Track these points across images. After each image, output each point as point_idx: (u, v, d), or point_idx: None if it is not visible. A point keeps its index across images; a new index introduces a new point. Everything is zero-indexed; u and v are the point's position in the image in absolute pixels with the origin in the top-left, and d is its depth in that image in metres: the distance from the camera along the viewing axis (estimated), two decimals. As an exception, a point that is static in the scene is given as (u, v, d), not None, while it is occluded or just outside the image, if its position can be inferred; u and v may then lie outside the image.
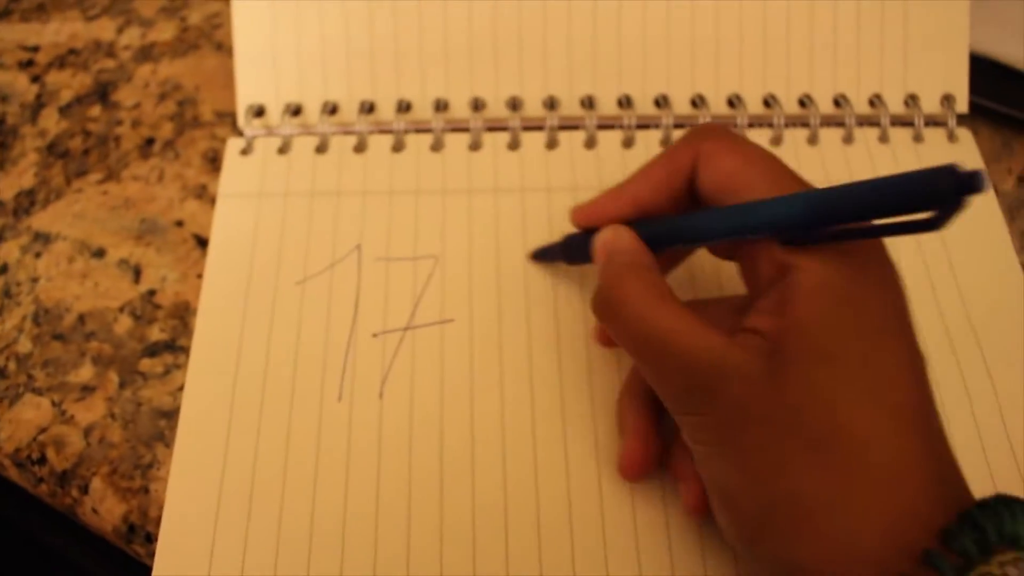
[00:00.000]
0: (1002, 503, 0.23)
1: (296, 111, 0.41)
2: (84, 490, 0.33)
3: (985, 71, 0.43)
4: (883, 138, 0.41)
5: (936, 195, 0.22)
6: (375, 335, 0.35)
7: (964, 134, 0.42)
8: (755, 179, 0.27)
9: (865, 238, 0.25)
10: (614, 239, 0.30)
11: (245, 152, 0.40)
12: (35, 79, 0.45)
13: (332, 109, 0.41)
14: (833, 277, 0.25)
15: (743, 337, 0.25)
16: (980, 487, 0.24)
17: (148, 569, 0.31)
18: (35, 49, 0.46)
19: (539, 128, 0.41)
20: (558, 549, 0.30)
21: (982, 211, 0.39)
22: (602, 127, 0.41)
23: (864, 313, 0.25)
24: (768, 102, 0.41)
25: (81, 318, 0.37)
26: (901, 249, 0.38)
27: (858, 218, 0.24)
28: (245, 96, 0.41)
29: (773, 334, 0.25)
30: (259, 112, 0.41)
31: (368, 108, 0.41)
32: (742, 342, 0.25)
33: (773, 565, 0.25)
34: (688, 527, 0.31)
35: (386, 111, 0.41)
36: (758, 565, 0.26)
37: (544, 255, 0.36)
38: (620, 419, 0.32)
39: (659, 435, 0.31)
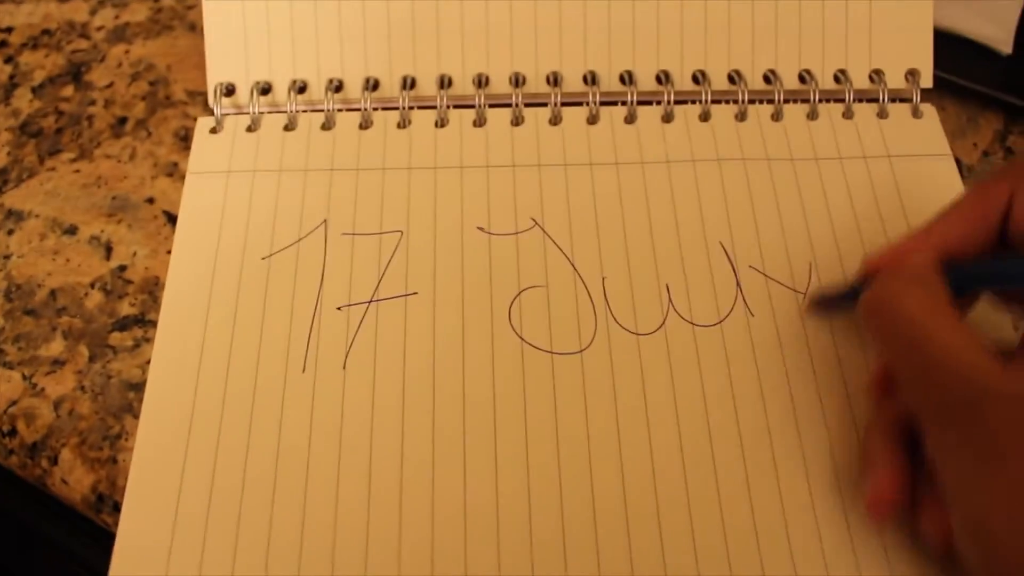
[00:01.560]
0: None
1: (266, 90, 0.41)
2: (53, 461, 0.34)
3: (951, 46, 0.44)
4: (847, 114, 0.41)
5: None
6: (339, 308, 0.35)
7: (928, 109, 0.42)
8: None
9: None
10: (913, 259, 0.29)
11: (214, 130, 0.40)
12: (8, 60, 0.46)
13: (301, 88, 0.41)
14: None
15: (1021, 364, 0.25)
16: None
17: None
18: (8, 30, 0.47)
19: (506, 105, 0.41)
20: (513, 503, 0.31)
21: (944, 186, 0.39)
22: (566, 104, 0.41)
23: None
24: (732, 78, 0.42)
25: (52, 293, 0.38)
26: (865, 227, 0.38)
27: None
28: (215, 75, 0.41)
29: None
30: (229, 91, 0.41)
31: (336, 87, 0.41)
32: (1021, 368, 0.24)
33: None
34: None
35: (354, 89, 0.41)
36: None
37: (830, 304, 0.35)
38: (868, 453, 0.30)
39: (909, 469, 0.29)
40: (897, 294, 0.27)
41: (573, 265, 0.37)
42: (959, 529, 0.25)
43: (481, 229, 0.37)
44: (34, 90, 0.44)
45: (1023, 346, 0.26)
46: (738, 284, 0.36)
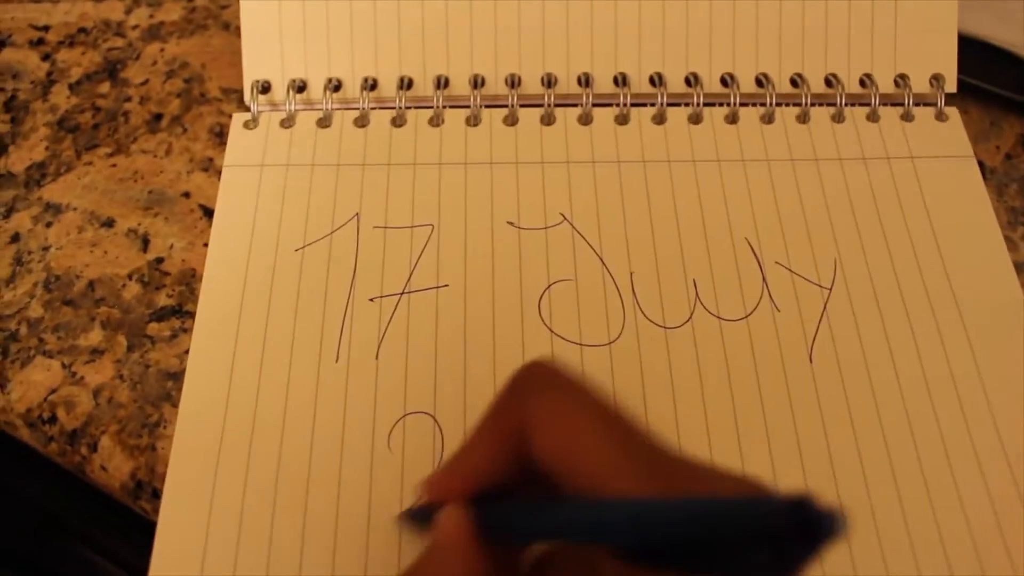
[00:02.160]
0: None
1: (301, 88, 0.42)
2: (93, 448, 0.35)
3: (974, 51, 0.44)
4: (872, 116, 0.42)
5: (775, 532, 0.17)
6: (372, 299, 0.36)
7: (952, 112, 0.42)
8: (586, 464, 0.22)
9: (699, 573, 0.20)
10: (449, 523, 0.25)
11: (249, 126, 0.41)
12: (45, 57, 0.47)
13: (336, 86, 0.42)
14: None
15: None
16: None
17: (153, 528, 0.32)
18: (45, 28, 0.48)
19: (537, 105, 0.42)
20: None
21: (966, 187, 0.40)
22: (598, 105, 0.42)
23: None
24: (760, 81, 0.42)
25: (91, 284, 0.38)
26: (888, 225, 0.39)
27: (684, 541, 0.19)
28: (251, 72, 0.42)
29: None
30: (265, 88, 0.42)
31: (371, 85, 0.42)
32: None
33: None
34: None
35: (387, 88, 0.42)
36: None
37: (410, 520, 0.30)
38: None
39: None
40: None
41: (602, 260, 0.37)
42: None
43: (511, 224, 0.38)
44: (71, 87, 0.45)
45: None
46: (764, 280, 0.37)
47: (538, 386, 0.24)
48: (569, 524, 0.22)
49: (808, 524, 0.16)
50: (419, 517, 0.28)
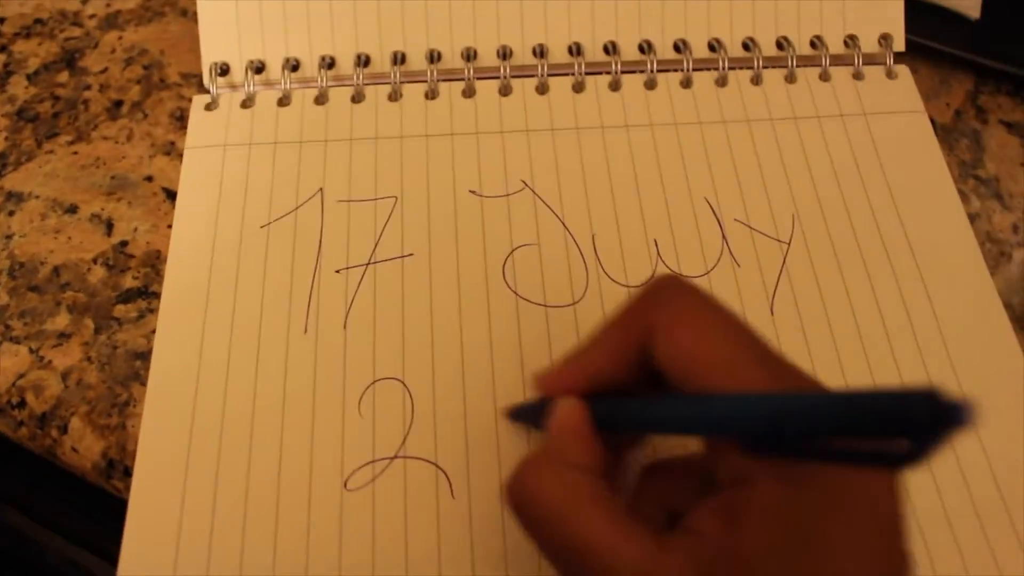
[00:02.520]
0: None
1: (259, 69, 0.42)
2: (63, 430, 0.35)
3: (922, 12, 0.45)
4: (824, 76, 0.43)
5: (909, 423, 0.18)
6: (338, 271, 0.36)
7: (902, 70, 0.43)
8: (722, 366, 0.24)
9: (831, 463, 0.21)
10: (562, 417, 0.26)
11: (210, 107, 0.41)
12: (2, 49, 0.46)
13: (295, 66, 0.42)
14: (789, 503, 0.22)
15: (684, 539, 0.23)
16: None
17: (124, 507, 0.32)
18: (1, 20, 0.48)
19: (494, 77, 0.42)
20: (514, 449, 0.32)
21: (918, 140, 0.41)
22: (552, 75, 0.42)
23: (817, 553, 0.22)
24: (713, 46, 0.43)
25: (56, 270, 0.38)
26: (844, 180, 0.39)
27: (819, 433, 0.21)
28: (209, 54, 0.42)
29: (714, 544, 0.22)
30: (224, 70, 0.42)
31: (329, 64, 0.42)
32: (681, 546, 0.23)
33: None
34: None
35: (345, 67, 0.42)
36: None
37: (519, 417, 0.33)
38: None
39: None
40: (538, 482, 0.25)
41: (563, 223, 0.38)
42: None
43: (473, 192, 0.39)
44: (29, 77, 0.45)
45: (688, 520, 0.24)
46: (724, 237, 0.38)
47: (668, 294, 0.25)
48: (705, 416, 0.23)
49: (940, 413, 0.17)
50: (524, 414, 0.32)
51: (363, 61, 0.42)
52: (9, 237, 0.39)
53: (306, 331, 0.35)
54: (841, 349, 0.35)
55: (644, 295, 0.26)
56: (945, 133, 0.43)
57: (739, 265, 0.37)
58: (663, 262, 0.37)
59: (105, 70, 0.45)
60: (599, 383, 0.26)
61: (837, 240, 0.38)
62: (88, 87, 0.45)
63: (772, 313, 0.36)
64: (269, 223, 0.38)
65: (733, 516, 0.22)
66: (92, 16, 0.47)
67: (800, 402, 0.21)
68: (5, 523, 0.46)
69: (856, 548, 0.22)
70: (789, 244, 0.37)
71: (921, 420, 0.18)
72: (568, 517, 0.24)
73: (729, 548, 0.22)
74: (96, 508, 0.36)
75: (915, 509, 0.32)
